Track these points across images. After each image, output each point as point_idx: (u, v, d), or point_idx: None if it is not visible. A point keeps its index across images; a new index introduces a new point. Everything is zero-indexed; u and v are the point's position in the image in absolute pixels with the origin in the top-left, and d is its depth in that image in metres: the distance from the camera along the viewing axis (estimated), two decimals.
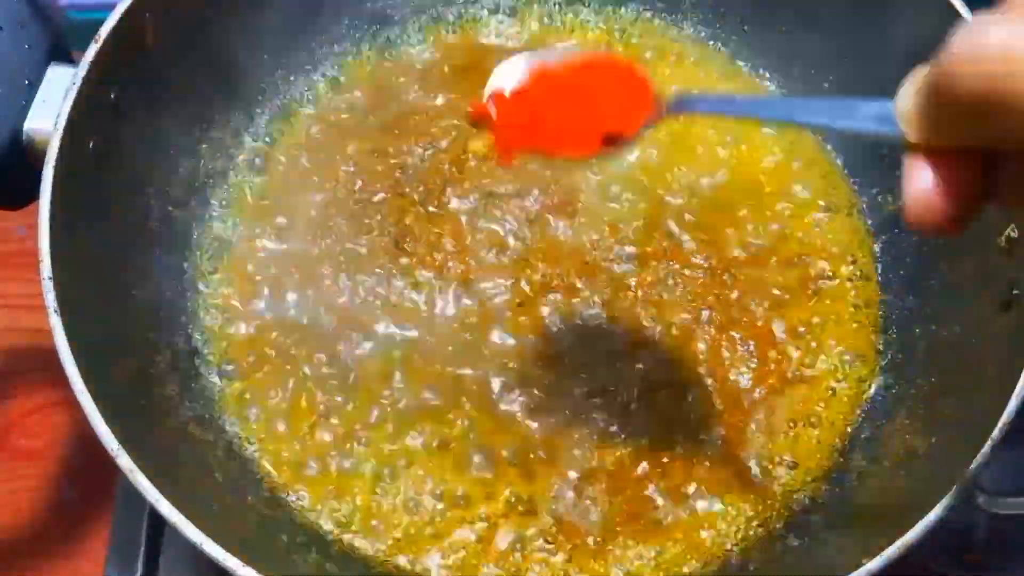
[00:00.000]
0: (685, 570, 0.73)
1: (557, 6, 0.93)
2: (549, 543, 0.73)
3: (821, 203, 0.85)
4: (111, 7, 0.71)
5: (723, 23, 0.91)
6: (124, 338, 0.72)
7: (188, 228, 0.81)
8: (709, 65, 0.91)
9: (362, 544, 0.73)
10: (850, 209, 0.85)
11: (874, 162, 0.85)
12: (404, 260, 0.82)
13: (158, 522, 0.83)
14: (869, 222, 0.85)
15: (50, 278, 0.64)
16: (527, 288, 0.81)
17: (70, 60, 0.71)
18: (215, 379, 0.77)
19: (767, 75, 0.90)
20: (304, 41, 0.88)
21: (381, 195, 0.84)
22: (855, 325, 0.81)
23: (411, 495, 0.74)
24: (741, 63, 0.91)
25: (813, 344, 0.80)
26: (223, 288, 0.81)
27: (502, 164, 0.83)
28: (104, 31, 0.70)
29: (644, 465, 0.75)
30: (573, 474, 0.75)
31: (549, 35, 0.92)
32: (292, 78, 0.88)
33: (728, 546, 0.73)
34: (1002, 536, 0.82)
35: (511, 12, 0.92)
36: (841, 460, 0.76)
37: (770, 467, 0.76)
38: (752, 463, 0.76)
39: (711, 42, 0.92)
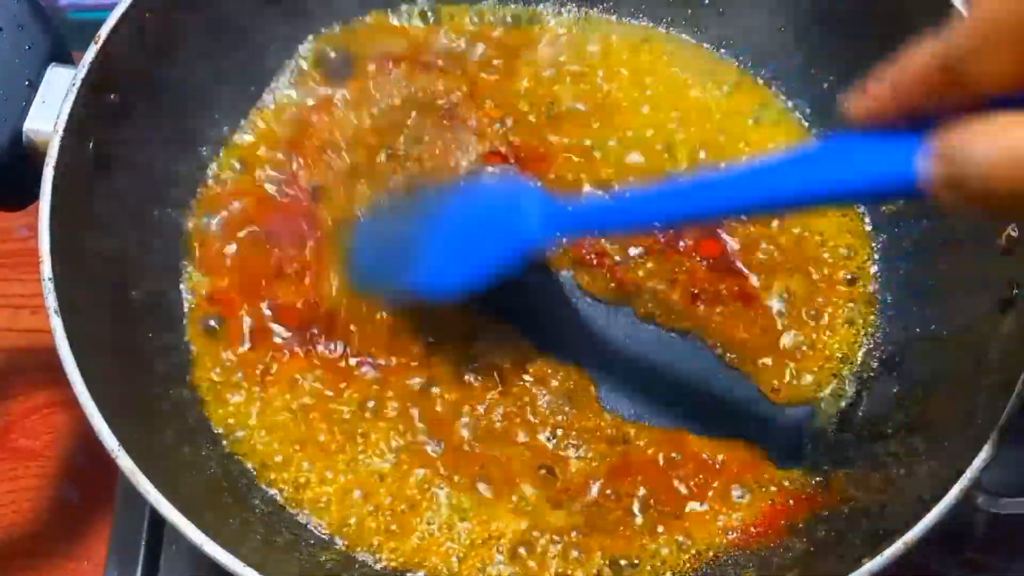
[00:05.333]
0: (683, 571, 0.73)
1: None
2: (553, 539, 0.73)
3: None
4: (111, 7, 0.71)
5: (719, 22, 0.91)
6: (124, 338, 0.72)
7: (188, 229, 0.81)
8: (701, 67, 0.91)
9: (361, 543, 0.73)
10: (849, 209, 0.85)
11: None
12: None
13: (158, 522, 0.83)
14: (868, 222, 0.85)
15: (50, 279, 0.64)
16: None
17: (70, 60, 0.71)
18: (216, 380, 0.77)
19: (764, 73, 0.90)
20: (303, 40, 0.88)
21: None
22: (854, 325, 0.81)
23: (410, 495, 0.74)
24: (736, 63, 0.91)
25: (812, 344, 0.80)
26: (223, 289, 0.80)
27: None
28: (104, 31, 0.70)
29: (640, 470, 0.75)
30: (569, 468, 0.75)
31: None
32: (293, 80, 0.88)
33: (727, 547, 0.73)
34: (1002, 536, 0.82)
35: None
36: (841, 460, 0.76)
37: (770, 467, 0.76)
38: (752, 463, 0.76)
39: (710, 45, 0.92)
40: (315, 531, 0.73)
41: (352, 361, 0.78)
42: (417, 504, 0.74)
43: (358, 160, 0.84)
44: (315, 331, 0.78)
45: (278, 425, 0.76)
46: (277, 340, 0.78)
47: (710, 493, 0.75)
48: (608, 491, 0.74)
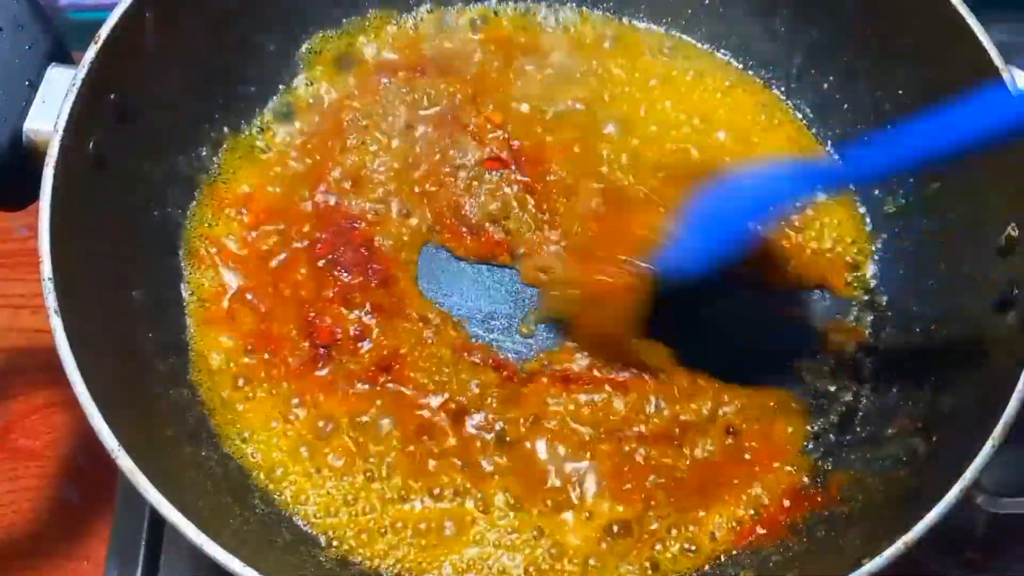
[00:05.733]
0: (683, 571, 0.73)
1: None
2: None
3: (820, 202, 0.85)
4: (111, 7, 0.71)
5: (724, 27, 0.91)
6: (124, 338, 0.72)
7: (187, 229, 0.81)
8: (702, 67, 0.91)
9: (360, 545, 0.73)
10: (850, 209, 0.85)
11: None
12: None
13: (158, 522, 0.83)
14: (869, 222, 0.85)
15: (50, 279, 0.64)
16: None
17: (70, 60, 0.71)
18: (215, 380, 0.77)
19: (764, 73, 0.90)
20: (302, 41, 0.88)
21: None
22: (854, 325, 0.81)
23: (405, 495, 0.74)
24: (736, 63, 0.91)
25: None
26: (223, 288, 0.80)
27: None
28: (104, 31, 0.70)
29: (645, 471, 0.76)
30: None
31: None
32: (291, 79, 0.88)
33: (728, 547, 0.73)
34: (1002, 536, 0.82)
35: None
36: (841, 460, 0.76)
37: (771, 467, 0.76)
38: (753, 463, 0.76)
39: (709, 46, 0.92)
40: (315, 533, 0.73)
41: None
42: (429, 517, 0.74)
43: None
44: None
45: (278, 424, 0.76)
46: (279, 343, 0.79)
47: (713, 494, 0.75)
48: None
